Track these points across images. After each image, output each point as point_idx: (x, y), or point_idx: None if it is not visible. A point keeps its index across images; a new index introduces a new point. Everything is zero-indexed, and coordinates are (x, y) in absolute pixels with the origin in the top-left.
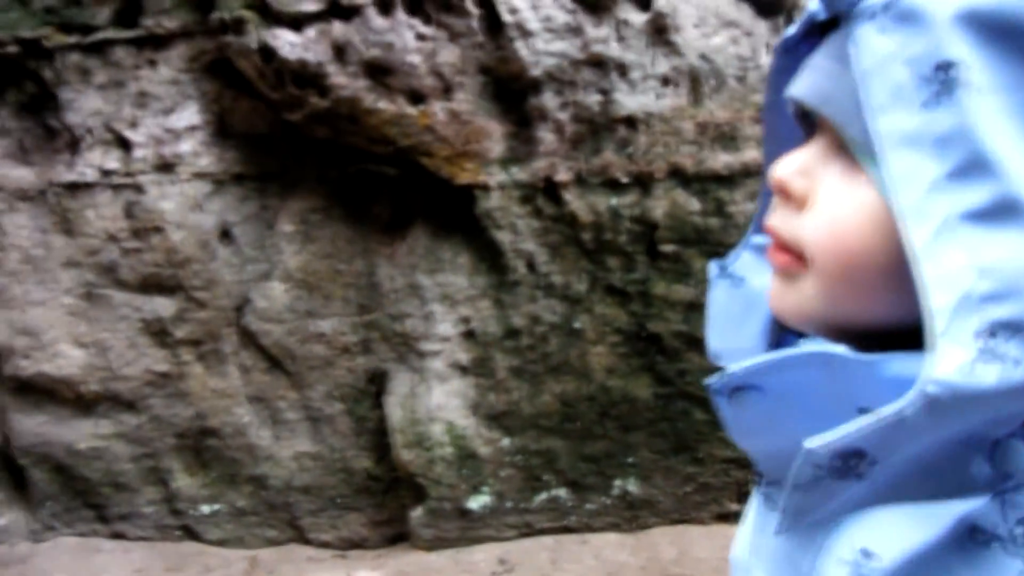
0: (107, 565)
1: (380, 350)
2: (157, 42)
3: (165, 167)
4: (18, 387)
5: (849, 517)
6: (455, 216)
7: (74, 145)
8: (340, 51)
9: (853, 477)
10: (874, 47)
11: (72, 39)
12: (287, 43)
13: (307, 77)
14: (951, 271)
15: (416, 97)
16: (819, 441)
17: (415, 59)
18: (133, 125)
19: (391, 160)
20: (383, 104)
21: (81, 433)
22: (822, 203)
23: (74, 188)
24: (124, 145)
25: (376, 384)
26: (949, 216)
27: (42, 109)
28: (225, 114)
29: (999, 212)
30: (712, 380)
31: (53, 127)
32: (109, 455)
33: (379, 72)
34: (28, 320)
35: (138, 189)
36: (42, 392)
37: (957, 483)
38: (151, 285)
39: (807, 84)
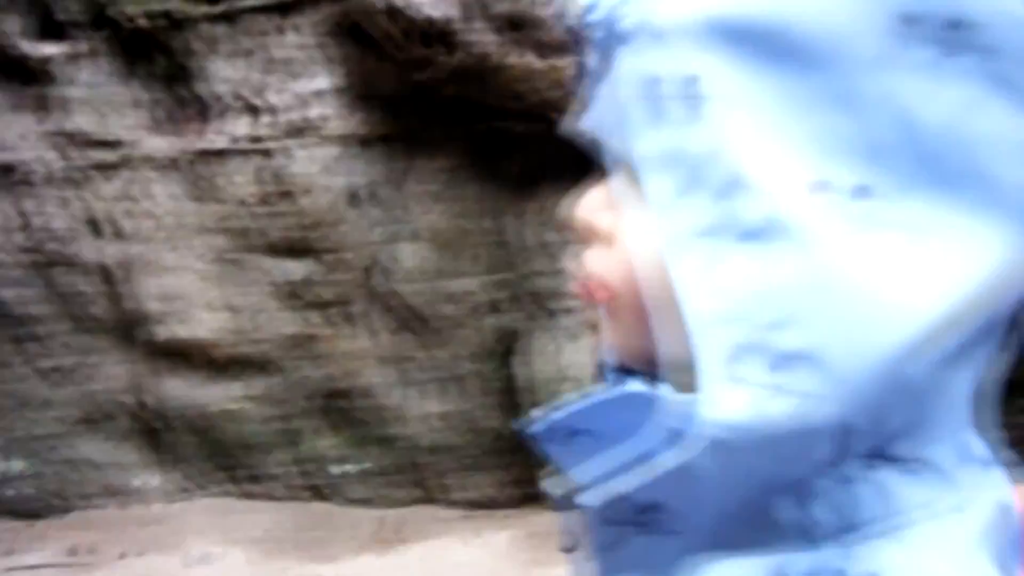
0: (239, 525)
1: (511, 309)
2: (286, 8)
3: (297, 131)
4: (154, 352)
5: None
6: (586, 172)
7: (207, 113)
8: (467, 7)
9: (660, 532)
10: (629, 70)
11: (203, 9)
12: (413, 1)
13: (434, 35)
14: (724, 301)
15: (546, 51)
16: (593, 496)
17: (545, 12)
18: (264, 91)
19: (521, 116)
20: (512, 59)
21: (215, 396)
22: (622, 236)
23: (208, 155)
24: (256, 111)
25: (506, 343)
26: (716, 241)
27: (175, 80)
28: (355, 77)
29: (768, 232)
30: (533, 425)
31: (186, 97)
32: (242, 417)
33: (508, 27)
34: (164, 286)
35: (270, 154)
36: (177, 356)
37: (769, 531)
38: (284, 249)
39: (593, 115)
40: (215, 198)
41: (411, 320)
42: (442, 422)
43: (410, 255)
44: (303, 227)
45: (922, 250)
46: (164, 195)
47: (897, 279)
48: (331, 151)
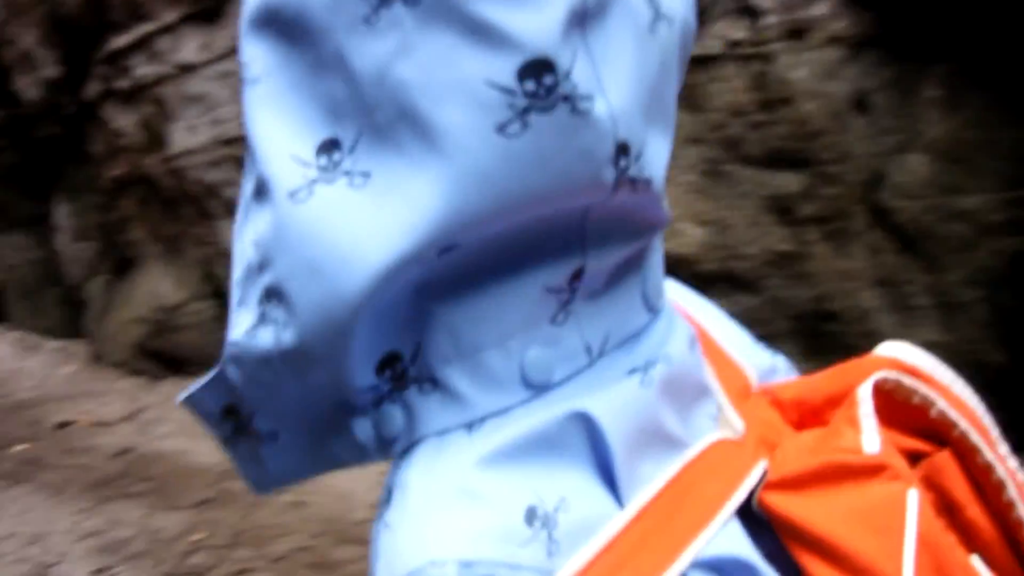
0: None
1: None
2: None
3: (796, 33)
4: None
5: None
6: None
7: (701, 18)
8: None
9: (253, 436)
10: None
11: None
12: None
13: None
14: (243, 247)
15: None
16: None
17: None
18: None
19: None
20: None
21: None
22: None
23: (699, 62)
24: (752, 14)
25: (1019, 269)
26: (245, 198)
27: None
28: None
29: (260, 192)
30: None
31: None
32: None
33: None
34: None
35: (766, 59)
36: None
37: (343, 447)
38: (778, 160)
39: None
40: (707, 107)
41: (916, 239)
42: (941, 352)
43: (920, 167)
44: (801, 136)
45: (374, 192)
46: None
47: (354, 220)
48: (835, 53)
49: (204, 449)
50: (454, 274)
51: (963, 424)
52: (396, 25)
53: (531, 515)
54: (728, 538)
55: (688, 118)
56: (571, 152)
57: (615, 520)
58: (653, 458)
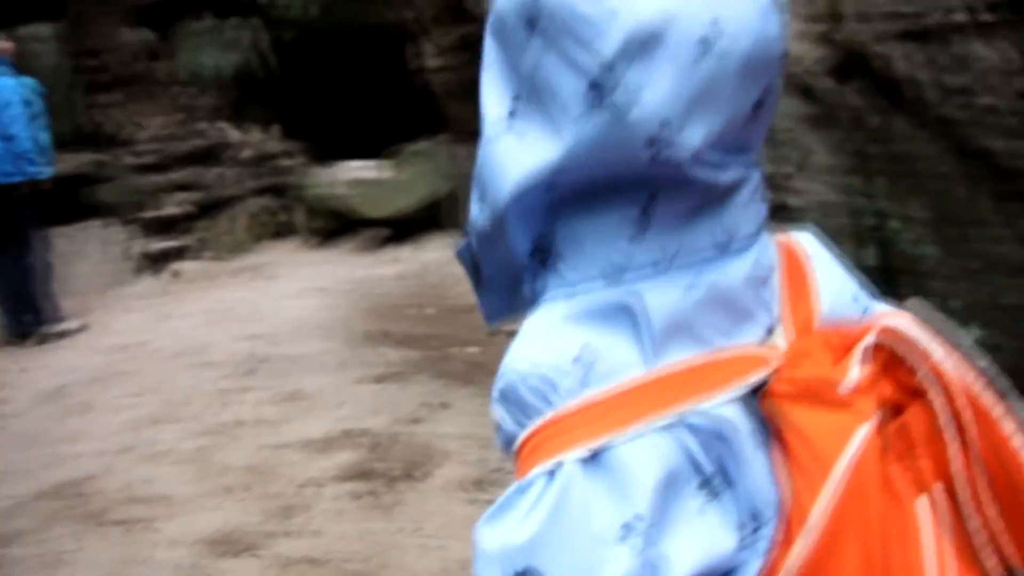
0: None
1: None
2: None
3: None
4: None
5: None
6: None
7: None
8: None
9: (482, 283)
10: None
11: None
12: None
13: None
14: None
15: None
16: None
17: None
18: None
19: None
20: None
21: None
22: None
23: None
24: None
25: None
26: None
27: None
28: None
29: (485, 138)
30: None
31: None
32: None
33: None
34: None
35: None
36: None
37: (525, 299)
38: None
39: None
40: None
41: None
42: None
43: None
44: None
45: (523, 143)
46: None
47: (512, 157)
48: None
49: None
50: (566, 198)
51: (937, 389)
52: (534, 45)
53: (577, 358)
54: (717, 411)
55: None
56: (615, 137)
57: (633, 375)
58: (683, 346)
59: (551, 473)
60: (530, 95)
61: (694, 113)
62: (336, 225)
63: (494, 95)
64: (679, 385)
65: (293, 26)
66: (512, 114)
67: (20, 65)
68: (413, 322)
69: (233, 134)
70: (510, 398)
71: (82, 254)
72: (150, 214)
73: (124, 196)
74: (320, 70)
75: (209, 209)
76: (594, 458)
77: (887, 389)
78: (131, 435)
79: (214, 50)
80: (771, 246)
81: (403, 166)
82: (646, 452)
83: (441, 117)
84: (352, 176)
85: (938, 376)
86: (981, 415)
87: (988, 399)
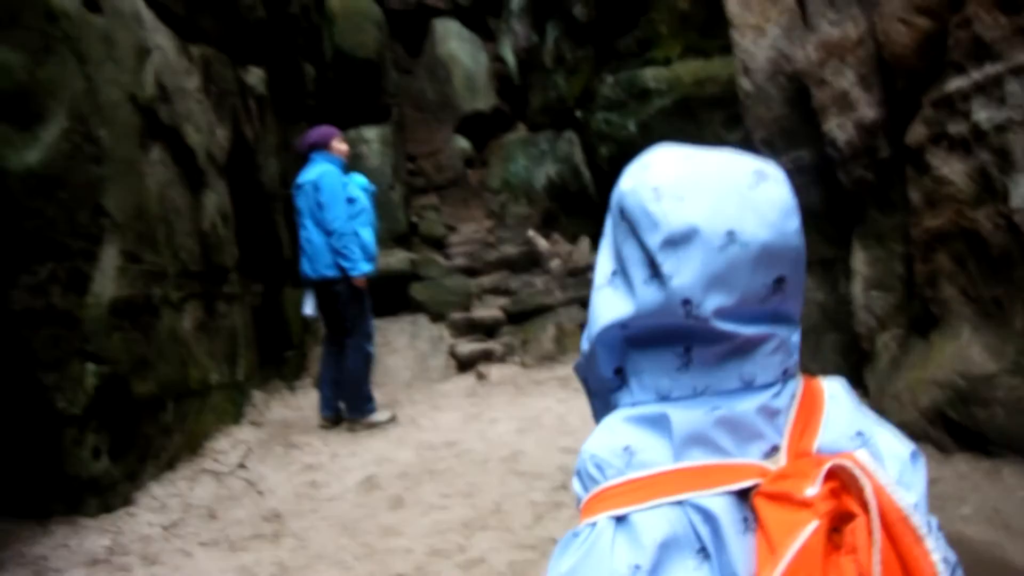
0: None
1: None
2: None
3: None
4: None
5: None
6: None
7: None
8: None
9: (590, 392)
10: None
11: None
12: None
13: None
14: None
15: None
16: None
17: None
18: None
19: None
20: None
21: None
22: None
23: None
24: None
25: None
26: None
27: None
28: None
29: (595, 289)
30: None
31: None
32: None
33: None
34: None
35: None
36: None
37: (609, 406)
38: None
39: None
40: None
41: None
42: None
43: None
44: None
45: (613, 296)
46: None
47: (604, 305)
48: None
49: (1014, 544)
50: (635, 339)
51: (875, 506)
52: (621, 229)
53: (627, 448)
54: (715, 502)
55: None
56: (661, 299)
57: (660, 467)
58: (702, 452)
59: (593, 525)
60: (620, 263)
61: (713, 288)
62: None
63: (604, 258)
64: (690, 478)
65: (611, 142)
66: (613, 273)
67: (348, 164)
68: None
69: (542, 244)
70: (580, 473)
71: (392, 348)
72: (460, 315)
73: (436, 295)
74: None
75: (517, 316)
76: (623, 519)
77: (846, 501)
78: (440, 538)
79: (527, 161)
80: (794, 387)
81: None
82: (657, 519)
83: None
84: None
85: (876, 497)
86: (904, 531)
87: (914, 521)
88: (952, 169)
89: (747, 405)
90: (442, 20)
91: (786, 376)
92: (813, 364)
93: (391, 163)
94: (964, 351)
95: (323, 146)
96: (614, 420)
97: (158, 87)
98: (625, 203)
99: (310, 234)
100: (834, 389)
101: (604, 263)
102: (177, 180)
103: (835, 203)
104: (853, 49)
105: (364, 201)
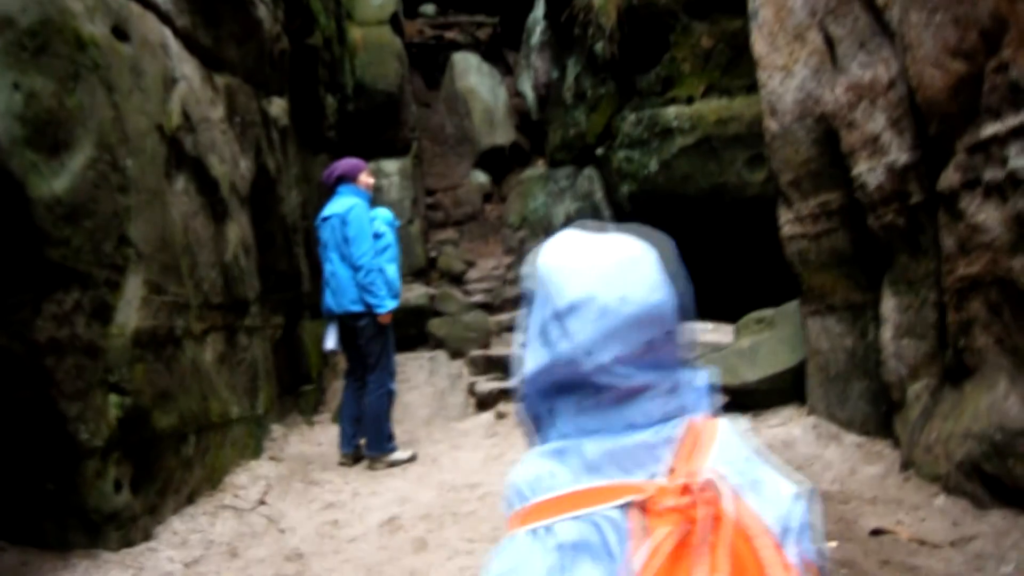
0: None
1: None
2: None
3: None
4: None
5: None
6: None
7: None
8: None
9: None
10: None
11: None
12: None
13: None
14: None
15: None
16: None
17: None
18: None
19: None
20: None
21: None
22: None
23: None
24: None
25: None
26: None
27: None
28: None
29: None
30: None
31: None
32: None
33: None
34: None
35: None
36: None
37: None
38: None
39: None
40: None
41: None
42: None
43: None
44: None
45: (536, 351)
46: None
47: (530, 358)
48: None
49: None
50: (552, 386)
51: (731, 513)
52: (539, 294)
53: (538, 477)
54: (611, 513)
55: None
56: (561, 355)
57: (563, 490)
58: (596, 476)
59: (513, 537)
60: (539, 325)
61: (600, 346)
62: None
63: (532, 321)
64: (589, 497)
65: (632, 179)
66: (539, 333)
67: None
68: None
69: None
70: (506, 497)
71: (410, 384)
72: (479, 353)
73: (454, 331)
74: (655, 224)
75: None
76: (535, 531)
77: (704, 511)
78: None
79: (546, 197)
80: (676, 425)
81: (743, 332)
82: (563, 529)
83: (794, 286)
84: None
85: (735, 506)
86: (743, 536)
87: (754, 527)
88: (987, 216)
89: (628, 441)
90: (462, 54)
91: (665, 417)
92: (840, 412)
93: (411, 197)
94: (1000, 402)
95: (351, 179)
96: (531, 454)
97: (184, 117)
98: (539, 277)
99: (335, 267)
100: (728, 426)
101: (532, 325)
102: (201, 211)
103: (864, 248)
104: (884, 92)
105: (390, 237)
